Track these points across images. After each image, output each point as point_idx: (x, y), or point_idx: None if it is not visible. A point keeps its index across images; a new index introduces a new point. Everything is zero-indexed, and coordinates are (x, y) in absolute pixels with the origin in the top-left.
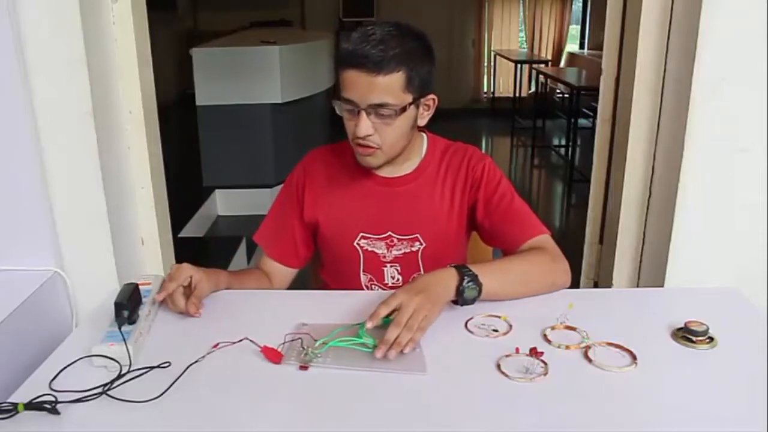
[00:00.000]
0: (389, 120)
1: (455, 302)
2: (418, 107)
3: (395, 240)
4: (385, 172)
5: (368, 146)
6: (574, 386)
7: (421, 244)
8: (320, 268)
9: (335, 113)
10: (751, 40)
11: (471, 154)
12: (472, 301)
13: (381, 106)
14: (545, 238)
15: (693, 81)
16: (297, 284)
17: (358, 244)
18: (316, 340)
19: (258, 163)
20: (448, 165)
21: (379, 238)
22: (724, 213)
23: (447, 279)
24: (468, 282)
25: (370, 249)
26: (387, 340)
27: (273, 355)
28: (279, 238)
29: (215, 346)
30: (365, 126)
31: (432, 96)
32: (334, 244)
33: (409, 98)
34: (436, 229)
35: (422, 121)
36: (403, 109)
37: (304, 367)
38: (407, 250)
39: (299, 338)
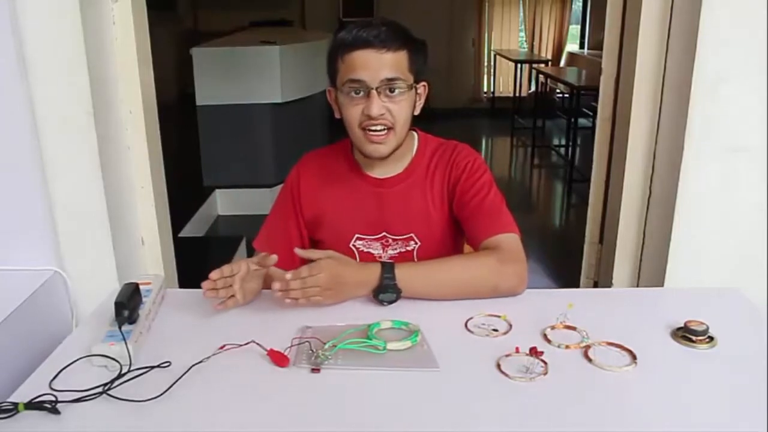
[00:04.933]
0: (400, 97)
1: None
2: (416, 92)
3: (390, 240)
4: (377, 173)
5: (381, 132)
6: (574, 386)
7: (416, 243)
8: None
9: (335, 113)
10: (750, 39)
11: (459, 151)
12: (390, 303)
13: (393, 80)
14: (507, 238)
15: (693, 80)
16: None
17: (353, 245)
18: (324, 343)
19: (258, 163)
20: (438, 163)
21: (374, 239)
22: (723, 212)
23: (367, 280)
24: (385, 291)
25: (365, 250)
26: (286, 280)
27: (279, 359)
28: (278, 245)
29: (222, 347)
30: (378, 105)
31: (424, 83)
32: (330, 247)
33: (412, 79)
34: (429, 228)
35: (416, 110)
36: (411, 87)
37: (316, 370)
38: (402, 250)
39: (307, 342)
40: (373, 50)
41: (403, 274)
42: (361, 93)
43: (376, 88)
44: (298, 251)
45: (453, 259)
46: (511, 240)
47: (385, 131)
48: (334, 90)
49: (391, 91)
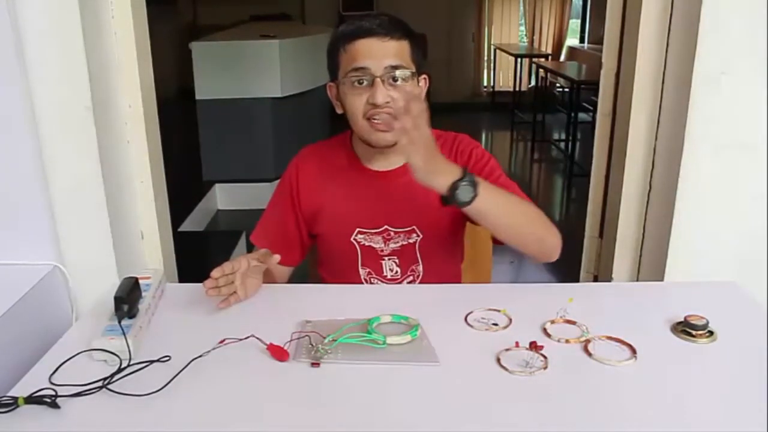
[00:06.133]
0: (404, 85)
1: (443, 200)
2: (418, 84)
3: (392, 233)
4: (378, 166)
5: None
6: (574, 380)
7: (418, 236)
8: (317, 265)
9: (337, 108)
10: (751, 33)
11: (460, 140)
12: (461, 204)
13: (396, 68)
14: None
15: (693, 75)
16: (293, 281)
17: (355, 239)
18: (324, 337)
19: (258, 158)
20: None
21: (375, 233)
22: (723, 207)
23: (450, 170)
24: (464, 183)
25: (367, 244)
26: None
27: (279, 353)
28: (275, 238)
29: (222, 342)
30: (383, 92)
31: (425, 76)
32: (331, 241)
33: (414, 68)
34: (432, 220)
35: None
36: (414, 75)
37: (315, 364)
38: (404, 243)
39: (306, 336)
40: (376, 38)
41: (485, 184)
42: (365, 82)
43: (381, 76)
44: None
45: (520, 197)
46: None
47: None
48: (336, 84)
49: (395, 79)
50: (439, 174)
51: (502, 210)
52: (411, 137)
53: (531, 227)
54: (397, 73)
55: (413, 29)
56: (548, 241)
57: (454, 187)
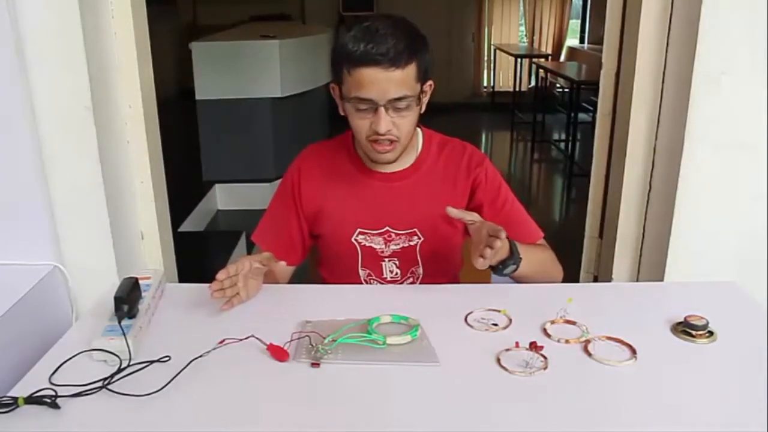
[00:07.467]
0: (407, 112)
1: (492, 268)
2: (422, 92)
3: (393, 235)
4: (381, 168)
5: (386, 143)
6: (574, 380)
7: (420, 238)
8: (318, 264)
9: (335, 107)
10: (751, 33)
11: (470, 153)
12: (505, 275)
13: (400, 99)
14: (544, 242)
15: (693, 75)
16: (294, 280)
17: (355, 240)
18: (324, 337)
19: (258, 158)
20: (447, 161)
21: (376, 234)
22: (723, 207)
23: (502, 252)
24: (511, 262)
25: (367, 245)
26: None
27: (279, 353)
28: (277, 238)
29: (221, 342)
30: (386, 122)
31: (430, 81)
32: (332, 241)
33: (419, 89)
34: (434, 224)
35: (422, 108)
36: (418, 99)
37: (315, 365)
38: (405, 245)
39: (306, 336)
40: (381, 69)
41: (523, 254)
42: (368, 108)
43: (384, 105)
44: (452, 210)
45: (537, 248)
46: (545, 242)
47: (391, 143)
48: (338, 88)
49: (398, 107)
50: (496, 256)
51: (531, 270)
52: (497, 254)
53: (546, 273)
54: (400, 104)
55: (420, 33)
56: (555, 278)
57: (503, 264)
